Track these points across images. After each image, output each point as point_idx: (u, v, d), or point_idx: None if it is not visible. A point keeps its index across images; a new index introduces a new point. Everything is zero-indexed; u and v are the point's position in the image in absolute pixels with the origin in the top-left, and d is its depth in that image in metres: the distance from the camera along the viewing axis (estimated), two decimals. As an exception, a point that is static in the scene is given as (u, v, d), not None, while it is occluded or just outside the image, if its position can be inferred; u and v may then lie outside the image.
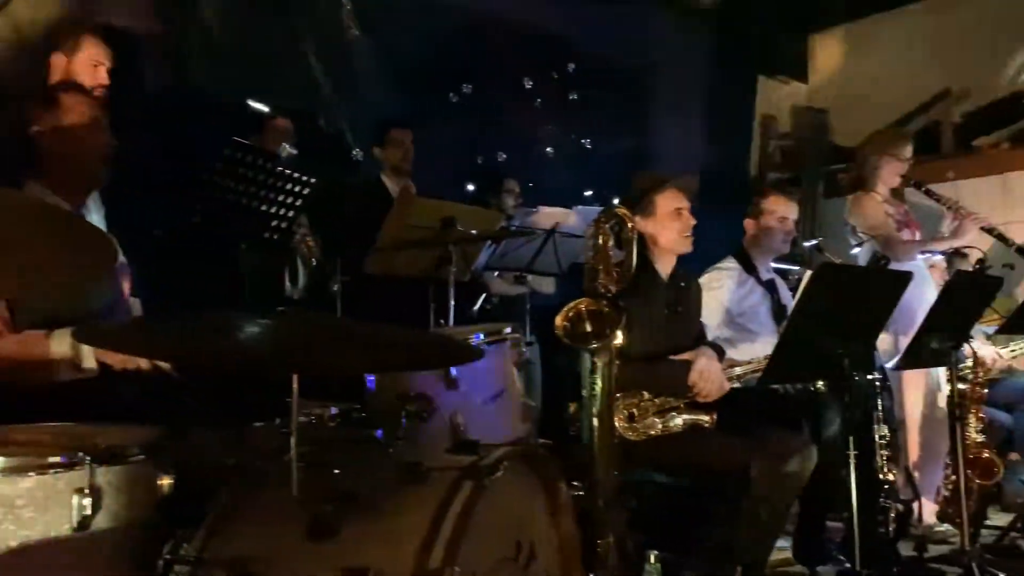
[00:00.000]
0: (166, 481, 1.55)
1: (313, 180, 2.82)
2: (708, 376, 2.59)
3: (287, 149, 2.83)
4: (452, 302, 2.73)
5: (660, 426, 2.56)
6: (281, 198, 2.78)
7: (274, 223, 2.82)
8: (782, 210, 3.27)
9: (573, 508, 1.81)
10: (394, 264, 2.96)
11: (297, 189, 2.80)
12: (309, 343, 1.40)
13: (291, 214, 2.81)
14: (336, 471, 1.53)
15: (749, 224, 3.33)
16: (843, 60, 6.68)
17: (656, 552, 2.26)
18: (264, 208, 2.75)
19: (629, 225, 2.41)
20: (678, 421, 2.56)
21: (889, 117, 6.09)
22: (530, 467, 1.66)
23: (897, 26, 6.44)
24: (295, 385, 1.43)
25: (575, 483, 1.92)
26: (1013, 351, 3.61)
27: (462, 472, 1.44)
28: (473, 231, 2.71)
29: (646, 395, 2.57)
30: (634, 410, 2.56)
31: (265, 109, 3.21)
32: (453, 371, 1.92)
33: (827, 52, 6.82)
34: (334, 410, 1.80)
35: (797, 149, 6.51)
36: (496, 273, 4.17)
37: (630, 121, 5.14)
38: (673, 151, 5.12)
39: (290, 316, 1.43)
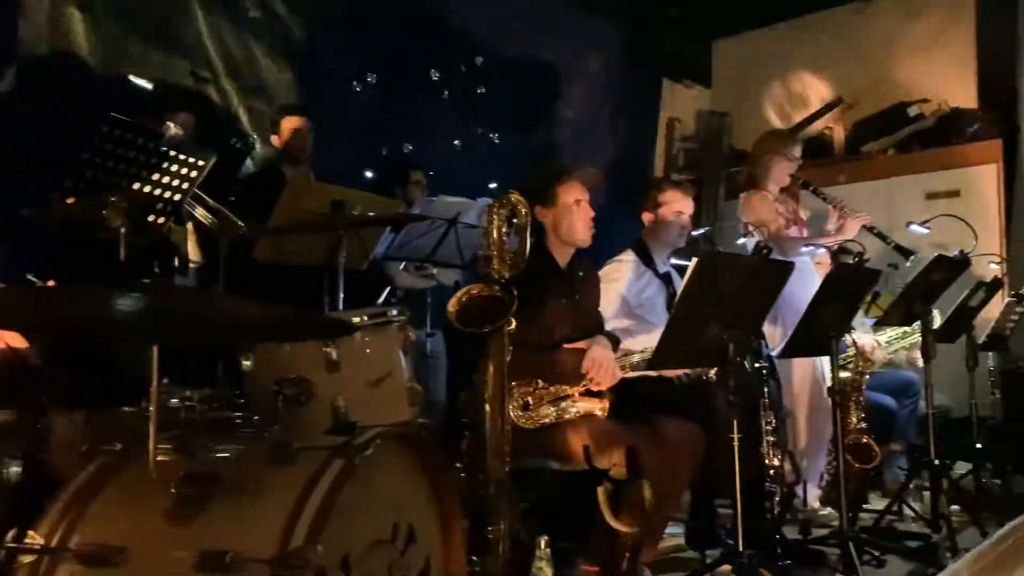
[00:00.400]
0: (13, 468, 1.45)
1: (202, 163, 2.69)
2: (601, 364, 2.62)
3: (172, 128, 2.69)
4: (342, 290, 2.65)
5: (554, 414, 2.57)
6: (166, 180, 2.64)
7: (159, 206, 2.69)
8: (678, 204, 3.34)
9: (458, 492, 1.79)
10: (286, 251, 2.88)
11: (184, 171, 2.67)
12: (171, 314, 1.33)
13: (176, 197, 2.68)
14: (201, 453, 1.46)
15: (647, 217, 3.40)
16: (745, 67, 6.93)
17: (546, 539, 2.26)
18: (147, 190, 2.61)
19: (523, 211, 2.42)
20: (572, 409, 2.58)
21: (786, 122, 6.38)
22: (409, 449, 1.63)
23: (795, 37, 6.74)
24: (155, 357, 1.36)
25: (458, 465, 1.90)
26: (889, 341, 3.80)
27: (332, 451, 1.40)
28: (371, 213, 2.64)
29: (540, 383, 2.57)
30: (528, 398, 2.55)
31: (148, 86, 3.05)
32: (333, 354, 1.87)
33: (730, 59, 7.06)
34: (207, 393, 1.72)
35: (700, 152, 6.71)
36: (401, 266, 4.12)
37: (537, 117, 5.18)
38: (579, 150, 5.19)
39: (153, 288, 1.36)
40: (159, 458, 1.45)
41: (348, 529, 1.40)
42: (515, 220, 2.44)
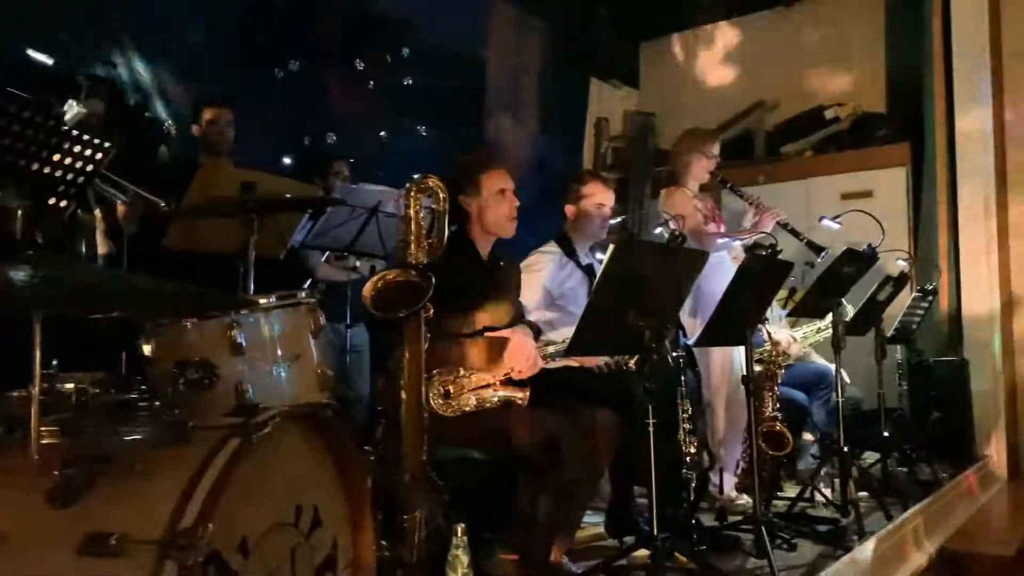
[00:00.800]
0: None
1: (107, 144, 2.58)
2: (523, 353, 2.62)
3: (74, 107, 2.57)
4: (254, 276, 2.57)
5: (475, 402, 2.55)
6: (68, 161, 2.51)
7: (60, 188, 2.56)
8: (600, 196, 3.38)
9: (368, 477, 1.76)
10: (198, 237, 2.78)
11: (88, 153, 2.54)
12: (55, 284, 1.26)
13: (80, 180, 2.56)
14: (89, 435, 1.40)
15: (569, 210, 3.42)
16: (671, 69, 7.07)
17: (463, 526, 2.25)
18: (47, 171, 2.49)
19: (441, 196, 2.40)
20: (493, 398, 2.57)
21: (711, 123, 6.54)
22: (314, 430, 1.59)
23: (719, 40, 6.92)
24: (37, 328, 1.29)
25: (367, 448, 1.87)
26: (805, 335, 3.92)
27: (228, 430, 1.35)
28: (287, 196, 2.56)
29: (462, 371, 2.55)
30: (449, 387, 2.53)
31: (49, 61, 2.90)
32: (238, 336, 1.82)
33: (657, 60, 7.20)
34: (99, 377, 1.65)
35: (627, 151, 6.81)
36: (323, 257, 4.05)
37: (464, 111, 5.16)
38: (507, 146, 5.19)
39: (37, 257, 1.29)
40: (44, 441, 1.38)
41: (246, 510, 1.36)
42: (433, 206, 2.42)
